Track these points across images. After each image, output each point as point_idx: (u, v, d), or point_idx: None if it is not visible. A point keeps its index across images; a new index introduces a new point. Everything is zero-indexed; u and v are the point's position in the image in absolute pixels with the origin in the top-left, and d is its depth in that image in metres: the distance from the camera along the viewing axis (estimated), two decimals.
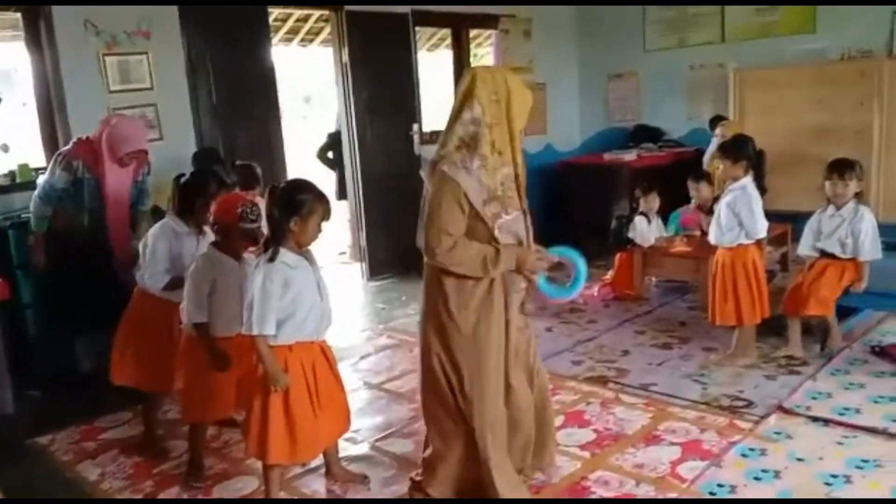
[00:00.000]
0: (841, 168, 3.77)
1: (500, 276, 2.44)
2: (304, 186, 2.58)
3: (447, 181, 2.36)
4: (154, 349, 3.10)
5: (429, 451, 2.65)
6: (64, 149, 3.80)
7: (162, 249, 3.05)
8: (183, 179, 3.14)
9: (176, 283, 3.01)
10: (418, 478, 2.70)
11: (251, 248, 2.84)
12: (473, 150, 2.38)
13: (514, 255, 2.42)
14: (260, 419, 2.53)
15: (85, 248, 3.77)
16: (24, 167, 4.38)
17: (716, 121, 5.94)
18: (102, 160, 3.70)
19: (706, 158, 5.68)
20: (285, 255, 2.50)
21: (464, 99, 2.41)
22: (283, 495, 2.79)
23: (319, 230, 2.57)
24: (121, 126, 3.76)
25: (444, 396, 2.54)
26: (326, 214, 2.57)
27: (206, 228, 3.04)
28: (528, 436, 2.64)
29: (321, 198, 2.57)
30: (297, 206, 2.49)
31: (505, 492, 2.49)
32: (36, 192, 3.77)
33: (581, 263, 2.58)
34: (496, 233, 2.39)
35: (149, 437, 3.32)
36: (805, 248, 3.90)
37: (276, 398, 2.52)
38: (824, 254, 3.83)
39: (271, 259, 2.47)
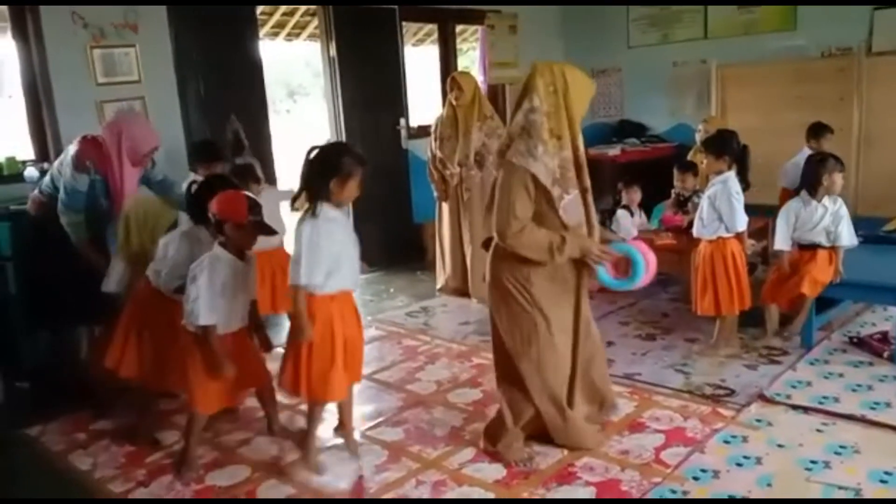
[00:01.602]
0: (841, 162, 3.89)
1: (565, 262, 2.70)
2: (343, 149, 2.90)
3: (514, 169, 2.61)
4: (156, 345, 3.12)
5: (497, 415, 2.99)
6: (72, 150, 3.70)
7: (184, 255, 3.00)
8: (195, 188, 3.12)
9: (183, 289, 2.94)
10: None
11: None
12: (535, 137, 2.61)
13: (578, 244, 2.66)
14: (306, 362, 2.76)
15: (67, 245, 3.77)
16: (11, 160, 4.37)
17: (818, 130, 5.33)
18: (111, 160, 3.67)
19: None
20: (327, 210, 2.72)
21: (524, 91, 2.67)
22: (276, 487, 2.83)
23: (357, 190, 2.78)
24: (135, 126, 3.79)
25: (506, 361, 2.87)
26: (364, 176, 2.78)
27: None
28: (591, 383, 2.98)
29: (359, 160, 2.79)
30: (337, 168, 2.71)
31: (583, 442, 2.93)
32: (60, 204, 3.67)
33: (640, 260, 2.79)
34: (560, 213, 2.62)
35: (142, 427, 3.34)
36: (783, 242, 3.93)
37: (318, 343, 2.75)
38: (804, 245, 3.91)
39: (314, 214, 2.68)
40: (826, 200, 3.85)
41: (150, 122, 4.14)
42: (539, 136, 2.62)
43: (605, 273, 2.83)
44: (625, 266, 2.85)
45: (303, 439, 3.03)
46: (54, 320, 3.83)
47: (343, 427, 3.14)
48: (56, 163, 3.83)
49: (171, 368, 3.03)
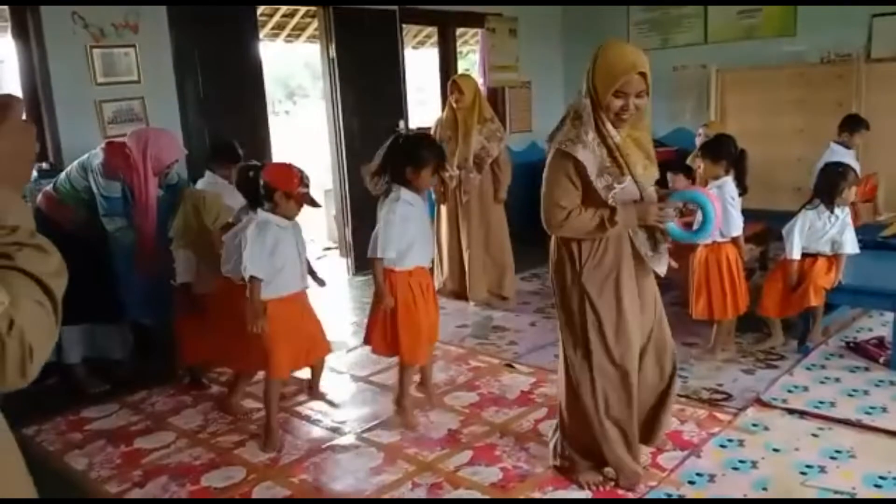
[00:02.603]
0: (857, 174, 3.88)
1: (623, 234, 2.51)
2: (421, 141, 3.15)
3: (558, 158, 2.46)
4: (237, 330, 3.17)
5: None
6: (96, 158, 3.74)
7: (266, 243, 3.03)
8: (252, 174, 3.18)
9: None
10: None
11: None
12: (585, 123, 2.42)
13: (633, 210, 2.47)
14: (392, 330, 3.13)
15: (81, 243, 3.78)
16: None
17: (853, 123, 5.20)
18: (137, 169, 3.75)
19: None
20: (405, 193, 3.03)
21: (585, 74, 2.48)
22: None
23: (432, 179, 3.13)
24: (160, 139, 3.86)
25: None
26: (439, 166, 3.12)
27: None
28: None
29: (435, 153, 3.07)
30: (413, 158, 3.00)
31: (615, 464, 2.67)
32: (101, 211, 3.73)
33: (708, 204, 2.55)
34: (610, 202, 2.44)
35: (230, 399, 3.54)
36: (798, 251, 3.87)
37: (404, 313, 3.10)
38: (806, 253, 3.91)
39: (391, 196, 3.01)
40: (838, 210, 3.85)
41: (174, 134, 4.18)
42: (589, 120, 2.42)
43: (675, 227, 2.61)
44: (691, 217, 2.66)
45: (399, 398, 3.33)
46: (66, 316, 3.82)
47: (424, 384, 3.53)
48: (76, 163, 3.83)
49: (250, 350, 3.17)
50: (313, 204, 3.12)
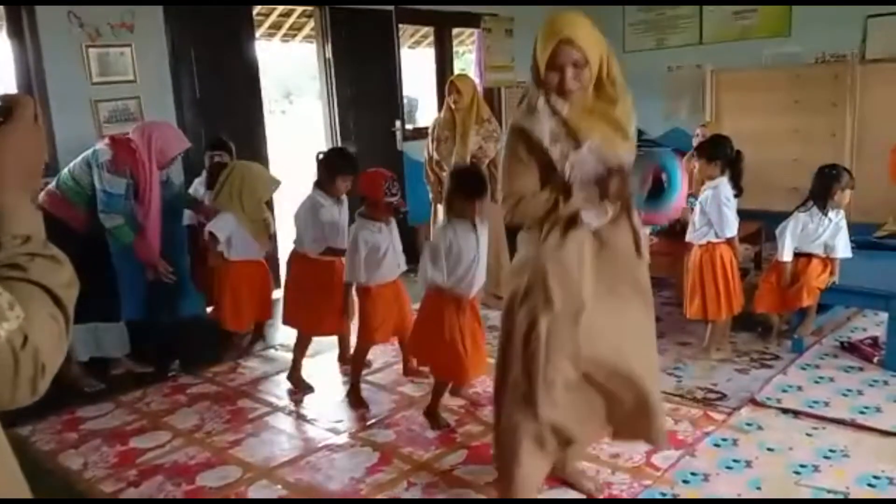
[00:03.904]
0: (852, 177, 3.88)
1: (574, 213, 2.23)
2: (470, 176, 3.28)
3: (510, 133, 2.29)
4: (315, 299, 3.67)
5: None
6: (103, 153, 3.74)
7: (313, 220, 3.59)
8: (322, 156, 3.74)
9: (328, 251, 3.64)
10: None
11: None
12: (535, 98, 2.23)
13: (593, 192, 2.22)
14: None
15: (86, 240, 3.78)
16: None
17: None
18: (143, 163, 3.79)
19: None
20: (459, 223, 3.11)
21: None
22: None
23: (479, 211, 3.18)
24: (165, 132, 3.94)
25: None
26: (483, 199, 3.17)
27: (342, 197, 3.68)
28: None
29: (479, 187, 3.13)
30: (467, 190, 3.09)
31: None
32: (100, 206, 3.74)
33: (673, 165, 2.23)
34: (568, 175, 2.19)
35: (295, 368, 3.82)
36: (788, 254, 3.91)
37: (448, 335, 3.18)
38: (799, 254, 3.93)
39: (450, 225, 3.12)
40: (831, 213, 3.86)
41: (176, 127, 4.22)
42: (537, 93, 2.24)
43: (640, 199, 2.26)
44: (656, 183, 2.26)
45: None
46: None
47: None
48: (78, 159, 3.82)
49: (314, 318, 3.69)
50: (396, 213, 3.40)
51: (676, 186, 2.22)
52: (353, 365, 3.69)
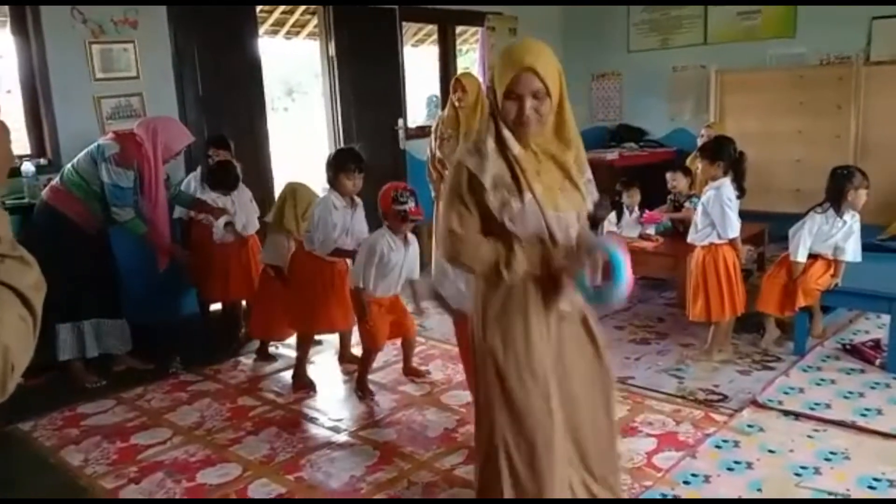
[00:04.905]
0: (866, 177, 3.84)
1: (522, 281, 2.05)
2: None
3: (454, 172, 2.07)
4: (317, 297, 3.73)
5: None
6: (109, 147, 3.75)
7: (325, 221, 3.61)
8: (329, 157, 3.78)
9: (336, 253, 3.65)
10: None
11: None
12: (486, 132, 2.03)
13: (536, 253, 2.04)
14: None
15: (89, 236, 3.79)
16: None
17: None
18: (149, 158, 3.80)
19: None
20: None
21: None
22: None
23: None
24: (170, 127, 3.95)
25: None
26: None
27: (357, 199, 3.72)
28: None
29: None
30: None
31: None
32: (111, 199, 3.75)
33: (619, 257, 2.00)
34: (508, 225, 2.00)
35: (300, 367, 3.86)
36: (803, 255, 3.87)
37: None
38: (810, 255, 3.91)
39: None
40: (847, 215, 3.85)
41: (180, 122, 4.22)
42: (490, 128, 2.02)
43: (586, 280, 2.03)
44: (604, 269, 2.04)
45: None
46: (63, 313, 3.83)
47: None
48: (82, 154, 3.83)
49: (321, 316, 3.77)
50: (408, 221, 3.44)
51: (622, 277, 1.99)
52: (360, 366, 3.75)
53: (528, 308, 2.07)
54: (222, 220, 4.33)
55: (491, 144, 2.01)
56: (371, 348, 3.67)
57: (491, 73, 2.05)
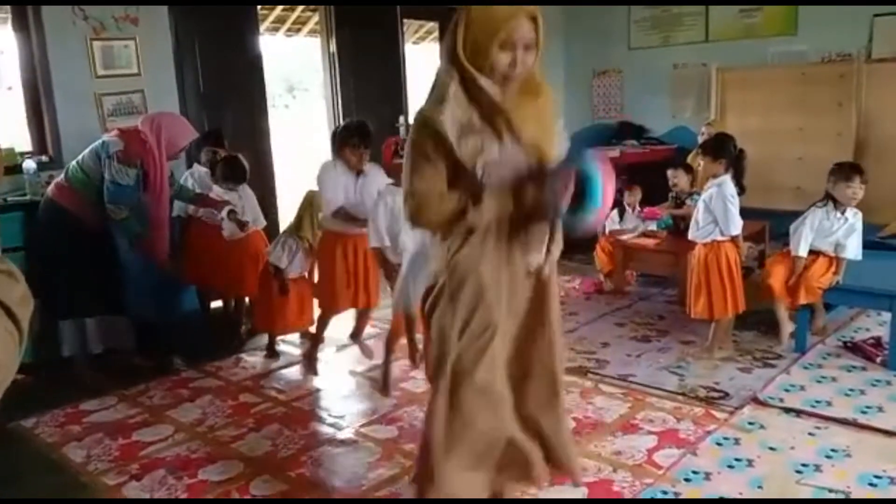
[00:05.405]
0: (860, 171, 3.84)
1: (490, 224, 2.00)
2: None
3: (415, 126, 1.99)
4: (340, 275, 3.76)
5: None
6: (113, 144, 3.74)
7: (327, 180, 3.65)
8: (335, 129, 3.85)
9: (341, 214, 3.66)
10: None
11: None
12: (448, 85, 1.95)
13: (505, 199, 1.97)
14: None
15: (93, 233, 3.79)
16: (9, 151, 4.36)
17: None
18: (154, 154, 3.79)
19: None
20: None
21: (449, 39, 2.00)
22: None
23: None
24: (174, 123, 3.93)
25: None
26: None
27: (367, 169, 3.69)
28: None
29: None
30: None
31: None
32: (107, 196, 3.74)
33: (595, 172, 1.92)
34: (481, 175, 1.93)
35: (314, 347, 3.95)
36: (804, 249, 3.88)
37: None
38: (811, 250, 3.92)
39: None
40: (848, 212, 3.85)
41: (183, 118, 4.21)
42: (452, 81, 1.94)
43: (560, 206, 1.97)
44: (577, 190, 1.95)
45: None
46: (67, 310, 3.84)
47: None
48: (87, 151, 3.82)
49: (343, 294, 3.80)
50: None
51: (596, 198, 1.91)
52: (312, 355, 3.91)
53: (487, 259, 2.03)
54: (225, 211, 4.33)
55: (454, 91, 1.92)
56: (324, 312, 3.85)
57: (464, 24, 1.94)
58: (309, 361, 3.94)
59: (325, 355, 4.19)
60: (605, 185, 1.94)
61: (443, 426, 2.06)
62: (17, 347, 0.91)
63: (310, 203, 3.99)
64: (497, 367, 2.10)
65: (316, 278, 4.12)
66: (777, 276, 3.95)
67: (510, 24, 1.90)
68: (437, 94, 1.97)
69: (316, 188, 3.98)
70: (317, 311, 4.10)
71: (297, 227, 4.00)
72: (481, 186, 1.94)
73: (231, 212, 4.34)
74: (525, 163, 1.97)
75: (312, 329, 4.13)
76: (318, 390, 3.76)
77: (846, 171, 3.86)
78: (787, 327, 4.01)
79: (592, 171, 1.94)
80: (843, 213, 3.84)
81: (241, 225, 4.38)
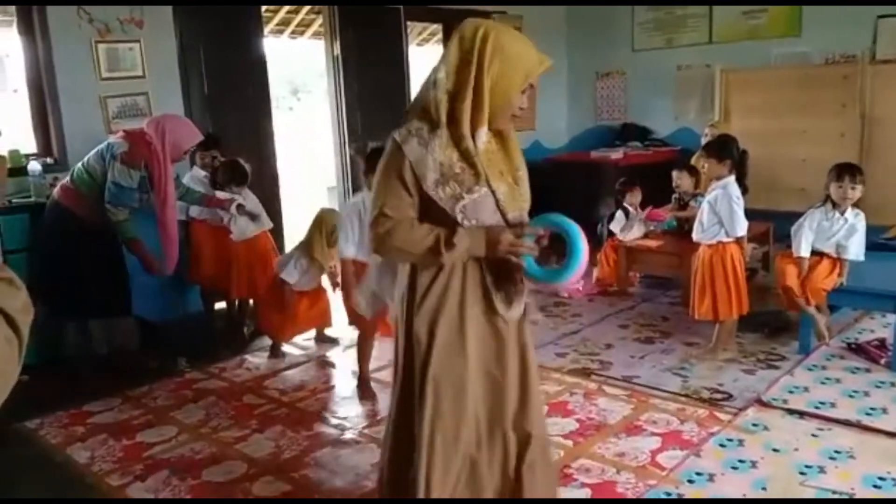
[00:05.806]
0: (853, 172, 3.83)
1: (462, 262, 1.92)
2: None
3: (392, 152, 1.90)
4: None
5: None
6: (118, 146, 3.76)
7: (356, 222, 3.41)
8: (369, 150, 3.57)
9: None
10: None
11: None
12: (433, 120, 1.88)
13: (481, 234, 1.89)
14: None
15: (91, 236, 3.80)
16: (14, 153, 4.38)
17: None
18: (158, 156, 3.80)
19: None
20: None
21: (441, 58, 1.95)
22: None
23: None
24: (179, 126, 3.93)
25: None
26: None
27: None
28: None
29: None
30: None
31: None
32: (108, 196, 3.75)
33: (577, 235, 1.95)
34: (460, 219, 1.88)
35: (363, 375, 3.71)
36: (806, 249, 3.88)
37: None
38: (814, 252, 3.92)
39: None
40: (849, 213, 3.84)
41: (188, 120, 4.23)
42: (439, 119, 1.88)
43: (533, 263, 1.96)
44: (557, 250, 2.00)
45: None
46: (72, 312, 3.85)
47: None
48: (92, 153, 3.84)
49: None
50: None
51: (578, 256, 1.93)
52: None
53: (465, 304, 1.94)
54: (234, 206, 4.34)
55: (445, 136, 1.87)
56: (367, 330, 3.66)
57: (488, 60, 1.86)
58: (365, 387, 3.69)
59: (331, 356, 4.20)
60: (584, 244, 1.95)
61: None
62: (17, 356, 0.92)
63: (320, 222, 3.96)
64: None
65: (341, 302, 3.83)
66: (791, 275, 3.94)
67: (538, 71, 1.92)
68: (420, 127, 1.89)
69: (326, 206, 3.99)
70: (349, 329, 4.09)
71: (308, 246, 3.97)
72: (455, 230, 1.87)
73: (240, 206, 4.36)
74: (500, 210, 1.93)
75: (316, 329, 4.14)
76: (321, 392, 3.77)
77: (837, 171, 3.87)
78: (821, 319, 3.99)
79: (572, 229, 1.95)
80: (842, 213, 3.84)
81: (253, 217, 4.40)
